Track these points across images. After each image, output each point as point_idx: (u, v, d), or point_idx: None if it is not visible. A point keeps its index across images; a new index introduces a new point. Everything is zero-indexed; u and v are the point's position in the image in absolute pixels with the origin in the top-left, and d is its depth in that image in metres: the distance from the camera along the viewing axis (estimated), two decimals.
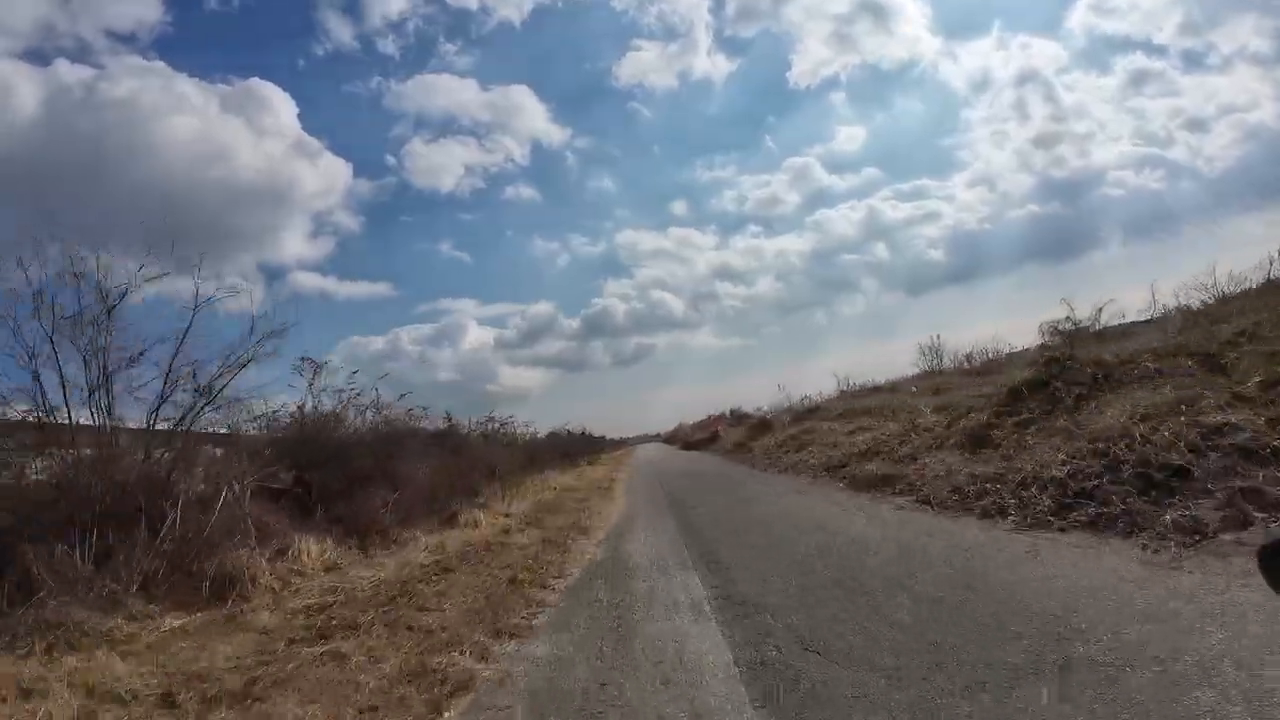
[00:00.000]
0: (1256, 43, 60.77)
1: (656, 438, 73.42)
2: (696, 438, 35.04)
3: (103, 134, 44.60)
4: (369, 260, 71.93)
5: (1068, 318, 13.80)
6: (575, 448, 32.14)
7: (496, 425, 18.59)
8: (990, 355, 17.18)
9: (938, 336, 18.38)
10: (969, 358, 17.56)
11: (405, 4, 69.64)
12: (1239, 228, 56.09)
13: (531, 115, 76.65)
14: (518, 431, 21.25)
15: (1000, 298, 69.15)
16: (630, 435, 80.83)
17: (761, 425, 22.21)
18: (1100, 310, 15.90)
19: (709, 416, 39.81)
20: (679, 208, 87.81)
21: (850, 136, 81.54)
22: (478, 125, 76.82)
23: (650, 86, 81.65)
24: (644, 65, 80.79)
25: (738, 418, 33.15)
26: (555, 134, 78.78)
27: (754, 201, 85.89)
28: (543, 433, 27.75)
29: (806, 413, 19.75)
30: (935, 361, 18.16)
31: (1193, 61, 67.46)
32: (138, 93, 50.10)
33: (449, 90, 73.04)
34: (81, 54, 48.22)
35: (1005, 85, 74.68)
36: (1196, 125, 65.90)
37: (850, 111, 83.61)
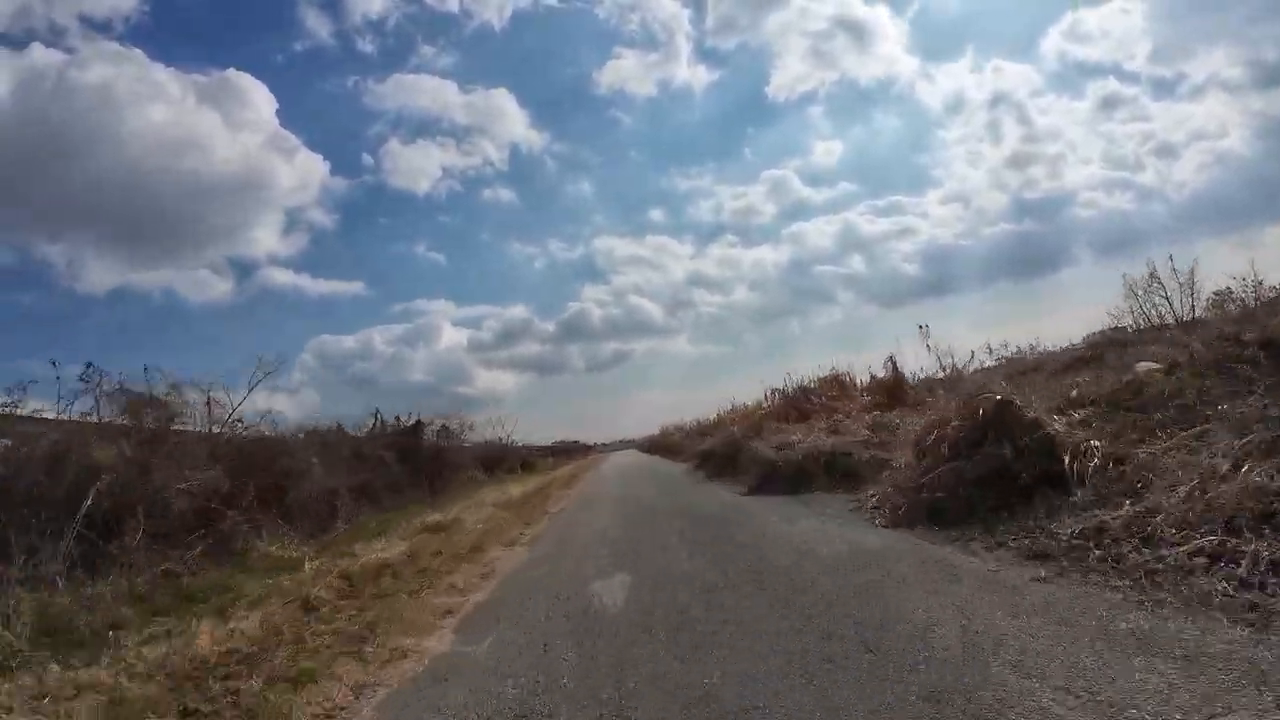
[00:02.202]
0: (1229, 71, 57.48)
1: (632, 444, 64.09)
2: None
3: (74, 119, 42.74)
4: (343, 259, 67.53)
5: None
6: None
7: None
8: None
9: (1195, 264, 10.62)
10: (1223, 296, 9.71)
11: (385, 3, 66.68)
12: (1210, 250, 50.06)
13: (511, 119, 73.56)
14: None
15: (976, 311, 61.88)
16: (608, 441, 73.62)
17: None
18: None
19: (773, 396, 17.65)
20: (656, 215, 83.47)
21: (827, 150, 76.51)
22: (456, 127, 72.55)
23: (631, 94, 78.13)
24: (624, 73, 78.21)
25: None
26: (534, 138, 75.66)
27: (730, 211, 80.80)
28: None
29: None
30: (1175, 303, 10.50)
31: (1164, 89, 65.66)
32: (111, 79, 47.41)
33: (428, 91, 69.40)
34: (55, 39, 46.25)
35: (979, 106, 69.73)
36: (1166, 151, 63.10)
37: (828, 126, 78.50)
